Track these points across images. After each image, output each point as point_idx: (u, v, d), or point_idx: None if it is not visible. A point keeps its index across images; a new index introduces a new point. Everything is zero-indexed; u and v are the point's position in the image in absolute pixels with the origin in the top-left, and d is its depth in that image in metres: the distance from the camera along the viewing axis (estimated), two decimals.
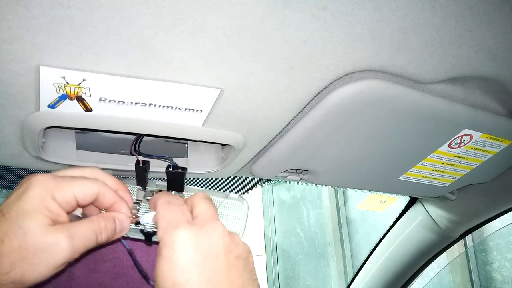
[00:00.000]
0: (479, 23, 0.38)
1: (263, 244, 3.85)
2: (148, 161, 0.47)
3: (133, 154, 0.50)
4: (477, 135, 0.59)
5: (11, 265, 0.33)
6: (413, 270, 1.03)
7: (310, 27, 0.35)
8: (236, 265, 0.36)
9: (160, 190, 0.48)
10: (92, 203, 0.40)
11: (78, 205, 0.38)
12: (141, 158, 0.49)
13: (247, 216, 0.53)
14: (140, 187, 0.48)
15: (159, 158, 0.50)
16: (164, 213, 0.38)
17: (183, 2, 0.30)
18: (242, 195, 0.54)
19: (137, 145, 0.50)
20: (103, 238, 0.39)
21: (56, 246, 0.34)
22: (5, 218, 0.34)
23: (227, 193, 0.52)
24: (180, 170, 0.47)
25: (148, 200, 0.47)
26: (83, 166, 0.42)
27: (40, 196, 0.35)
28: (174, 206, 0.39)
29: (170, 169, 0.47)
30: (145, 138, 0.53)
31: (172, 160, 0.49)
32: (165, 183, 0.49)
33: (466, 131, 0.58)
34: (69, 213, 0.38)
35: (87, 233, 0.37)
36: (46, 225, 0.34)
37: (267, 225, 3.87)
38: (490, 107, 0.56)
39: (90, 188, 0.38)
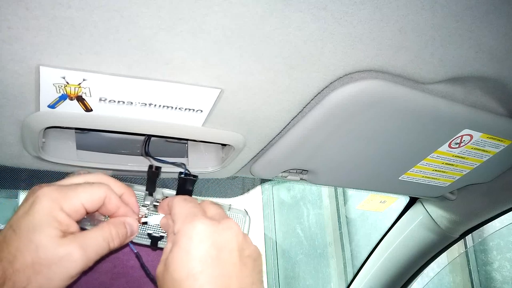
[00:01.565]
0: (479, 23, 0.38)
1: (263, 244, 3.85)
2: (161, 167, 0.48)
3: (147, 158, 0.51)
4: (477, 135, 0.59)
5: (27, 280, 0.33)
6: (413, 270, 1.03)
7: (310, 27, 0.35)
8: (247, 264, 0.37)
9: (166, 197, 0.48)
10: (99, 208, 0.39)
11: (87, 212, 0.38)
12: (155, 163, 0.49)
13: (249, 230, 0.54)
14: (148, 192, 0.48)
15: (173, 164, 0.51)
16: (182, 208, 0.39)
17: (183, 2, 0.30)
18: (245, 208, 0.54)
19: (147, 146, 0.51)
20: (115, 244, 0.39)
21: (69, 258, 0.34)
22: (15, 234, 0.34)
23: (229, 205, 0.53)
24: (192, 177, 0.48)
25: (155, 206, 0.47)
26: (87, 172, 0.42)
27: (48, 208, 0.35)
28: (191, 203, 0.40)
29: (183, 176, 0.47)
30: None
31: (185, 166, 0.50)
32: (170, 192, 0.49)
33: (466, 131, 0.58)
34: (78, 221, 0.38)
35: (99, 242, 0.37)
36: (57, 237, 0.34)
37: (267, 225, 3.87)
38: (490, 107, 0.56)
39: (97, 193, 0.38)
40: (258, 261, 0.39)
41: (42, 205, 0.35)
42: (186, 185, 0.48)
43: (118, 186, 0.42)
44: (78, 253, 0.35)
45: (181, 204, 0.40)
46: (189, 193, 0.48)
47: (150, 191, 0.48)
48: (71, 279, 0.35)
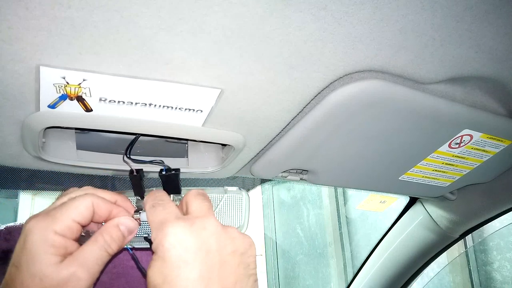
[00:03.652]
0: (479, 23, 0.38)
1: (263, 244, 3.85)
2: (142, 169, 0.47)
3: (126, 162, 0.50)
4: (477, 135, 0.59)
5: None
6: (413, 270, 1.03)
7: (310, 27, 0.35)
8: (230, 261, 0.35)
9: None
10: (92, 218, 0.39)
11: (82, 226, 0.38)
12: (133, 166, 0.48)
13: (249, 207, 0.53)
14: (138, 196, 0.47)
15: (151, 162, 0.50)
16: (152, 216, 0.38)
17: (183, 2, 0.30)
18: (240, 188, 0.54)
19: (128, 152, 0.50)
20: (114, 249, 0.39)
21: (73, 279, 0.34)
22: (18, 270, 0.35)
23: (225, 188, 0.52)
24: (173, 171, 0.46)
25: None
26: (75, 189, 0.41)
27: (41, 237, 0.35)
28: (159, 207, 0.39)
29: (164, 172, 0.46)
30: (145, 138, 0.53)
31: (163, 163, 0.48)
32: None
33: (466, 131, 0.58)
34: (76, 239, 0.38)
35: (97, 253, 0.37)
36: (57, 263, 0.35)
37: (267, 225, 3.87)
38: (490, 107, 0.56)
39: (83, 204, 0.38)
40: (246, 255, 0.37)
41: (34, 236, 0.35)
42: (170, 181, 0.46)
43: (109, 195, 0.42)
44: (81, 272, 0.35)
45: (150, 212, 0.39)
46: (177, 188, 0.46)
47: (139, 195, 0.47)
48: None
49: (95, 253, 0.37)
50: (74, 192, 0.41)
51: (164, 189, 0.47)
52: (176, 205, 0.41)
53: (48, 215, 0.37)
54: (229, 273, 0.35)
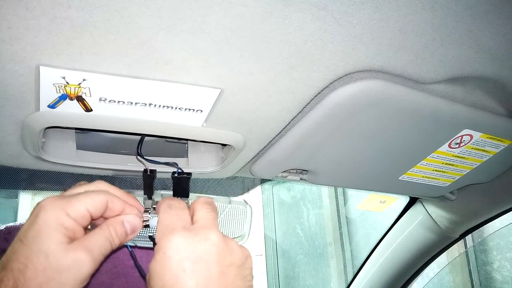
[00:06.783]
0: (479, 23, 0.38)
1: (263, 244, 3.85)
2: (155, 170, 0.48)
3: (140, 161, 0.50)
4: (477, 135, 0.59)
5: (39, 286, 0.33)
6: (413, 270, 1.03)
7: (310, 27, 0.35)
8: (228, 273, 0.36)
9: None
10: (103, 214, 0.40)
11: (92, 218, 0.39)
12: (148, 165, 0.49)
13: (251, 220, 0.54)
14: (146, 196, 0.48)
15: (166, 164, 0.51)
16: (164, 217, 0.39)
17: (183, 2, 0.30)
18: (244, 199, 0.55)
19: (139, 148, 0.50)
20: (116, 243, 0.39)
21: (78, 263, 0.35)
22: (23, 244, 0.35)
23: (230, 198, 0.53)
24: (185, 175, 0.47)
25: (154, 208, 0.47)
26: (86, 183, 0.42)
27: (54, 216, 0.36)
28: (173, 211, 0.40)
29: (176, 175, 0.47)
30: (145, 138, 0.53)
31: (177, 165, 0.49)
32: (169, 193, 0.49)
33: (466, 131, 0.58)
34: (85, 228, 0.38)
35: (102, 242, 0.38)
36: (65, 243, 0.35)
37: (267, 225, 3.87)
38: (490, 107, 0.56)
39: (99, 199, 0.39)
40: (243, 267, 0.38)
41: (47, 214, 0.36)
42: (181, 184, 0.47)
43: (119, 193, 0.42)
44: (86, 257, 0.35)
45: (165, 211, 0.40)
46: (185, 191, 0.47)
47: (149, 194, 0.47)
48: (83, 283, 0.36)
49: (100, 242, 0.38)
50: (90, 185, 0.41)
51: (173, 191, 0.47)
52: None
53: (64, 198, 0.37)
54: (227, 284, 0.36)
